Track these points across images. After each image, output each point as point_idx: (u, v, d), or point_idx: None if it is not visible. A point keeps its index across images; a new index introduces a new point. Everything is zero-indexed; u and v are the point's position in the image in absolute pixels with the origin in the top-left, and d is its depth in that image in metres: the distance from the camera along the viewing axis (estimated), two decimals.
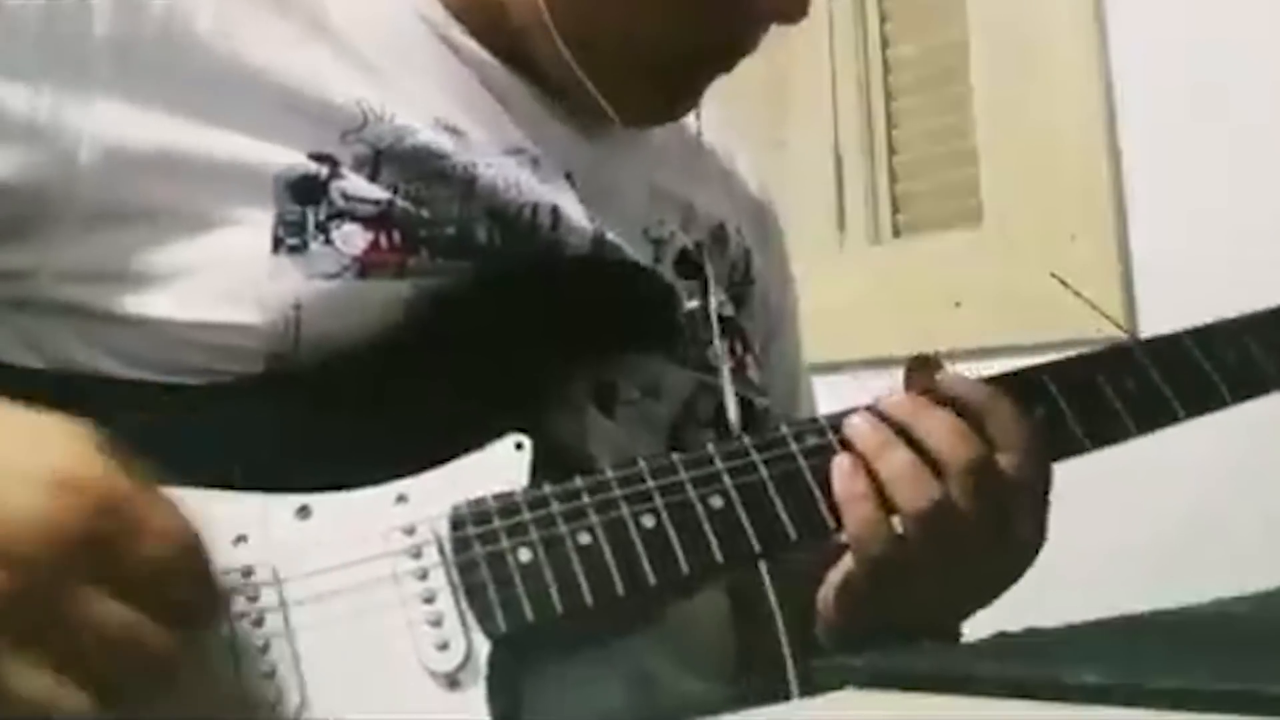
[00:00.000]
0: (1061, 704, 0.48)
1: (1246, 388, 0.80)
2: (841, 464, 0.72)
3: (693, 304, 0.83)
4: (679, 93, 0.84)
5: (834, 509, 0.71)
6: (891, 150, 1.82)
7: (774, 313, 0.96)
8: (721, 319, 0.87)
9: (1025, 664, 0.53)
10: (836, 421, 0.74)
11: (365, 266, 0.72)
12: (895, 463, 0.72)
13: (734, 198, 0.96)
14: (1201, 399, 0.79)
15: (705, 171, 0.92)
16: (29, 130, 0.70)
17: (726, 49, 0.82)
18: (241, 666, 0.62)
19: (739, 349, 0.87)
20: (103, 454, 0.55)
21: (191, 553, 0.56)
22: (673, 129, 0.92)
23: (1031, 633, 0.76)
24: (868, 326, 1.66)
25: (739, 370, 0.87)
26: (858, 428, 0.73)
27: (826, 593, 0.81)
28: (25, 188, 0.70)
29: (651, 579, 0.67)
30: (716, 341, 0.83)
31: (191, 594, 0.56)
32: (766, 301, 0.95)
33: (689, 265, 0.86)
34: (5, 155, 0.70)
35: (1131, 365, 0.79)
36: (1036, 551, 0.77)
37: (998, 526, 0.73)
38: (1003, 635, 0.80)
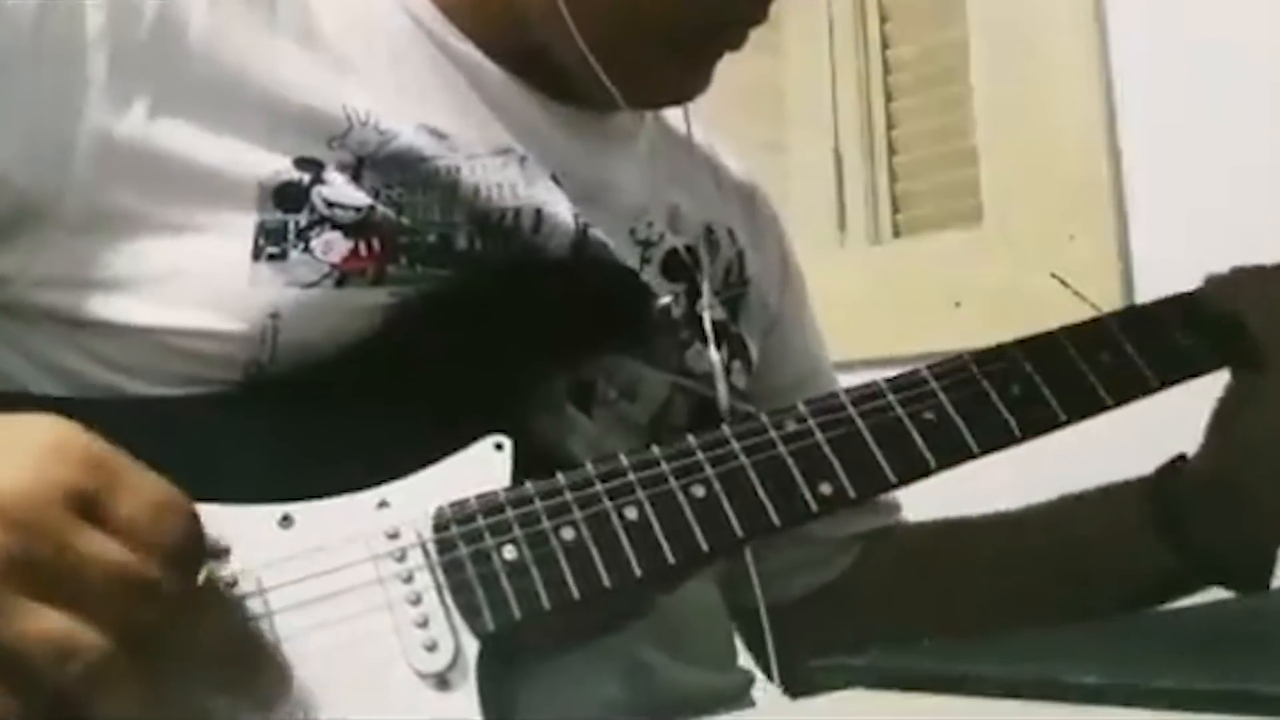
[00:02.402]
0: (1061, 704, 0.47)
1: None
2: None
3: (667, 300, 0.83)
4: (689, 70, 0.84)
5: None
6: (891, 150, 1.82)
7: (773, 309, 0.96)
8: (713, 324, 0.86)
9: (1025, 664, 0.53)
10: (815, 407, 0.74)
11: (344, 275, 0.72)
12: None
13: (724, 194, 0.95)
14: None
15: (694, 173, 0.92)
16: (23, 131, 0.70)
17: (737, 19, 0.82)
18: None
19: (725, 354, 0.87)
20: (82, 430, 0.58)
21: (174, 501, 0.58)
22: (660, 131, 0.91)
23: (1031, 633, 0.76)
24: (868, 326, 1.66)
25: (725, 374, 0.86)
26: None
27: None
28: (16, 189, 0.70)
29: (637, 570, 0.67)
30: (711, 339, 0.83)
31: (177, 535, 0.57)
32: (764, 300, 0.94)
33: (677, 267, 0.86)
34: (6, 157, 0.70)
35: None
36: None
37: None
38: (1002, 636, 0.80)
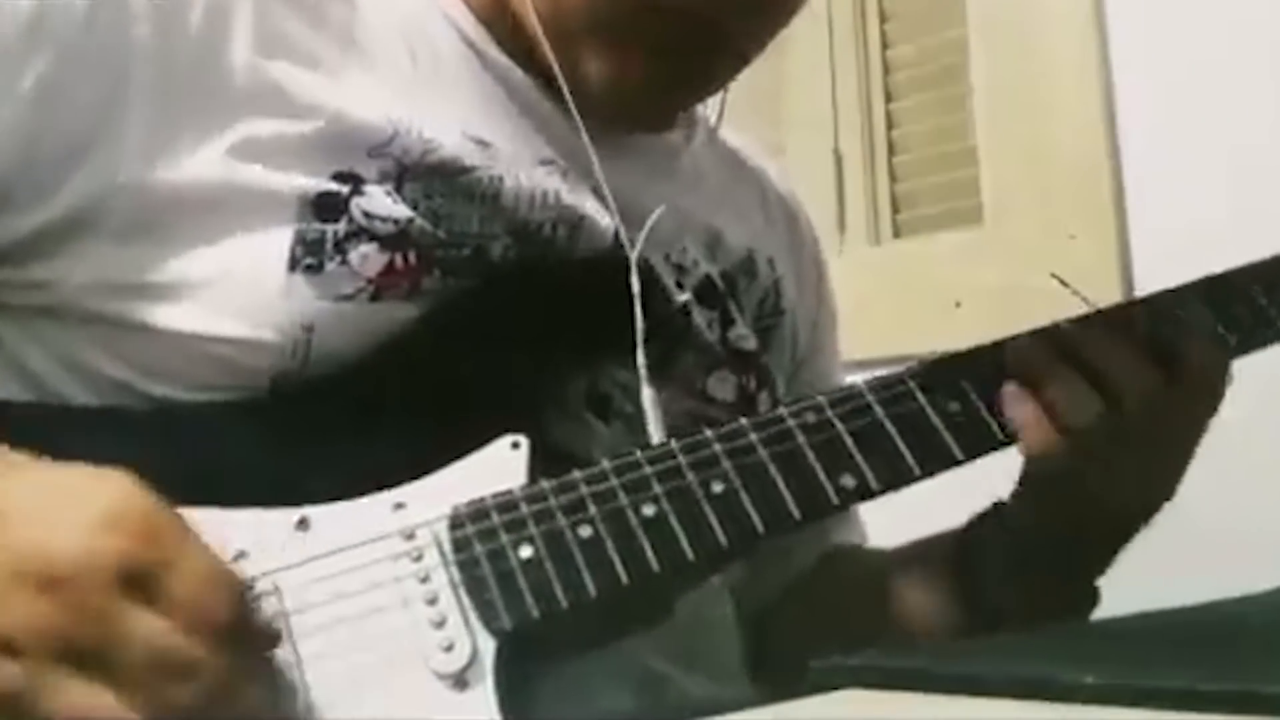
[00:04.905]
0: (1061, 704, 0.47)
1: None
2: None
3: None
4: (619, 59, 0.79)
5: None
6: (891, 150, 1.82)
7: (803, 344, 0.96)
8: (741, 353, 0.86)
9: (1025, 664, 0.53)
10: (835, 398, 0.72)
11: (379, 289, 0.72)
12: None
13: (769, 218, 0.95)
14: None
15: (738, 197, 0.91)
16: (73, 144, 0.70)
17: (698, 16, 0.77)
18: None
19: (752, 384, 0.86)
20: (144, 495, 0.58)
21: (225, 578, 0.59)
22: (709, 151, 0.90)
23: (1032, 633, 0.76)
24: (868, 326, 1.65)
25: (748, 405, 0.86)
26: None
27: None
28: (65, 201, 0.70)
29: (655, 566, 0.66)
30: (641, 374, 0.79)
31: (225, 614, 0.58)
32: (796, 332, 0.94)
33: (709, 295, 0.85)
34: (56, 167, 0.70)
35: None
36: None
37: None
38: (1002, 635, 0.80)
